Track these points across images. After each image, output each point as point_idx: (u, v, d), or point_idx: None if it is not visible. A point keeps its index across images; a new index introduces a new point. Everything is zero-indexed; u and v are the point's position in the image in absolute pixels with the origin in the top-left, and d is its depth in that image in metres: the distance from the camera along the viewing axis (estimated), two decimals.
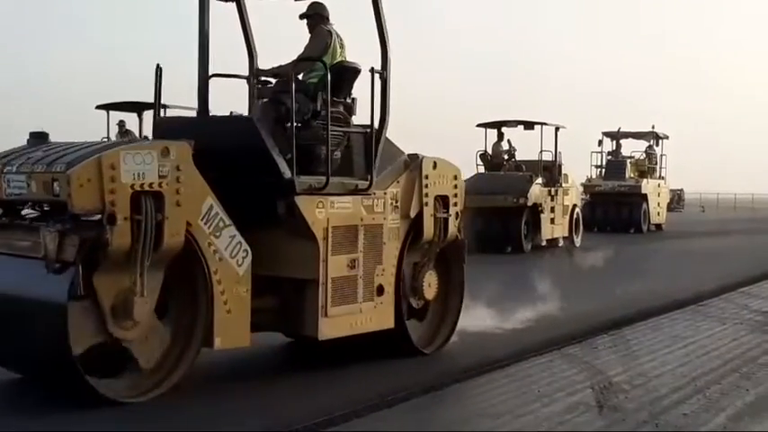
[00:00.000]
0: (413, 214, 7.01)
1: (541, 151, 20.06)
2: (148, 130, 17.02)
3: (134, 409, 5.40)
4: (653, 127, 29.25)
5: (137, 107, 18.03)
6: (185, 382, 5.74)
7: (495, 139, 20.83)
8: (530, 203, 18.55)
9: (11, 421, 5.19)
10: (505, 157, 20.54)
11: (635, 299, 10.82)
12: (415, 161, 7.14)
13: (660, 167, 29.67)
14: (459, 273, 7.70)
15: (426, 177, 7.09)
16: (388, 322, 6.81)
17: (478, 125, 20.76)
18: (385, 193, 6.82)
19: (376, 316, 6.66)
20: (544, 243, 19.35)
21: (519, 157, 20.77)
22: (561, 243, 20.26)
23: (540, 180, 19.24)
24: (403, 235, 6.97)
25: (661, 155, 29.79)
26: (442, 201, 7.28)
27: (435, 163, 7.23)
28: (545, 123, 20.23)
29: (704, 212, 34.56)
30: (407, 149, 7.20)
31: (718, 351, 7.64)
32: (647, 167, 28.99)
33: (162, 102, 6.80)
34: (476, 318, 8.22)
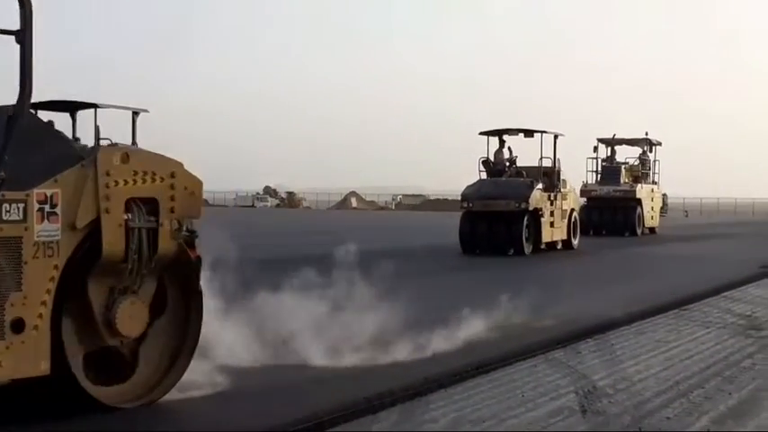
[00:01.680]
0: (82, 224, 5.14)
1: (541, 158, 20.77)
2: (84, 131, 15.99)
3: (132, 412, 5.33)
4: (646, 134, 29.86)
5: (71, 106, 16.83)
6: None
7: (497, 146, 21.26)
8: (531, 208, 19.23)
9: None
10: (507, 163, 20.97)
11: (620, 302, 10.72)
12: (92, 154, 5.31)
13: (653, 173, 30.33)
14: (191, 301, 5.77)
15: (108, 174, 5.21)
16: (32, 368, 4.96)
17: (481, 133, 21.27)
18: (27, 195, 4.92)
19: (9, 360, 4.83)
20: (543, 246, 19.89)
21: (519, 163, 21.23)
22: (560, 246, 20.84)
23: (540, 185, 19.92)
24: (69, 251, 5.11)
25: (654, 160, 30.44)
26: (146, 206, 5.42)
27: (127, 155, 5.39)
28: (545, 131, 20.91)
29: (687, 217, 35.41)
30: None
31: (701, 355, 7.55)
32: (641, 173, 29.67)
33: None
34: (464, 321, 8.24)
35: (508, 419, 5.35)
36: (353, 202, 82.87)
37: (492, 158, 21.07)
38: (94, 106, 15.91)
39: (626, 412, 5.57)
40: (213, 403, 5.71)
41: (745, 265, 16.59)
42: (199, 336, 5.81)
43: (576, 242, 21.61)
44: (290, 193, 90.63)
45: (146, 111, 16.44)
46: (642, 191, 28.56)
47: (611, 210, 27.93)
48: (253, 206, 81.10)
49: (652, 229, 29.47)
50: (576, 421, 5.36)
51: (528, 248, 19.18)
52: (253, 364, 6.62)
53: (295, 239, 25.45)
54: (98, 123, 15.68)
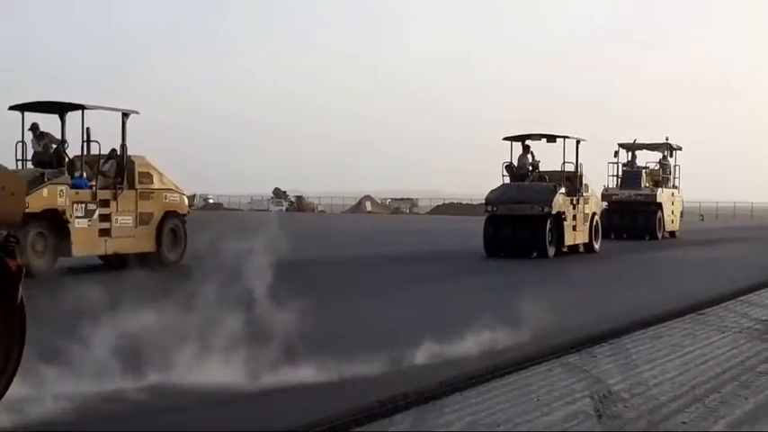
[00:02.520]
0: None
1: (564, 162, 20.88)
2: (73, 133, 15.74)
3: (134, 410, 5.41)
4: (666, 139, 29.94)
5: (58, 108, 16.31)
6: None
7: (521, 151, 21.41)
8: (554, 212, 19.40)
9: None
10: (530, 168, 21.09)
11: (635, 307, 10.71)
12: None
13: (674, 177, 30.34)
14: (11, 317, 4.96)
15: None
16: None
17: (504, 138, 21.43)
18: None
19: None
20: (565, 249, 20.16)
21: (542, 168, 21.36)
22: (581, 249, 21.09)
23: (563, 190, 20.05)
24: None
25: (674, 165, 30.43)
26: None
27: None
28: (567, 137, 21.01)
29: (703, 221, 35.58)
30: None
31: (716, 360, 7.46)
32: (662, 177, 29.69)
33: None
34: (480, 324, 8.23)
35: (523, 424, 5.29)
36: (368, 206, 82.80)
37: (515, 163, 21.21)
38: (81, 108, 15.60)
39: (642, 417, 5.50)
40: (236, 404, 5.77)
41: (762, 269, 16.58)
42: (21, 355, 5.01)
43: (597, 245, 21.76)
44: (299, 197, 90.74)
45: (136, 112, 16.37)
46: (663, 195, 28.66)
47: (632, 213, 28.04)
48: (268, 210, 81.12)
49: (672, 233, 29.50)
50: (592, 425, 5.29)
51: (551, 251, 19.34)
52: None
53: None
54: (87, 125, 15.33)
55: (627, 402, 5.87)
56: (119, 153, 15.99)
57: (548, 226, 19.32)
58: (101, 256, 15.93)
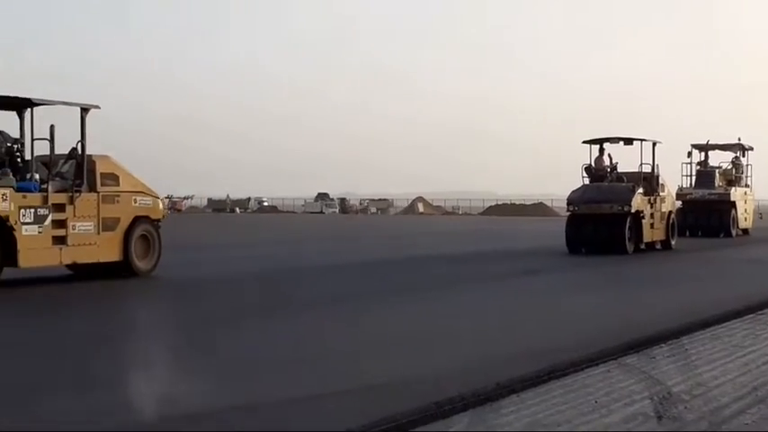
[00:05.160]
0: None
1: (641, 164, 21.60)
2: (38, 129, 13.69)
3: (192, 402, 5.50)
4: (739, 139, 29.98)
5: (11, 103, 14.56)
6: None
7: (597, 153, 22.13)
8: (632, 210, 20.28)
9: None
10: (608, 169, 21.81)
11: (695, 307, 10.50)
12: None
13: (746, 177, 30.33)
14: None
15: None
16: None
17: (584, 142, 22.16)
18: None
19: None
20: (643, 246, 20.89)
21: (619, 169, 22.08)
22: (659, 246, 21.93)
23: (640, 189, 20.82)
24: None
25: (747, 164, 30.46)
26: None
27: None
28: (644, 139, 21.71)
29: (762, 219, 35.41)
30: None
31: None
32: (735, 176, 29.96)
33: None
34: (537, 324, 8.17)
35: (582, 425, 5.13)
36: (420, 207, 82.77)
37: (593, 165, 21.86)
38: (30, 103, 14.04)
39: (703, 418, 5.30)
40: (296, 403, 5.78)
41: None
42: None
43: (674, 242, 22.59)
44: (343, 200, 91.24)
45: (96, 107, 14.77)
46: (736, 194, 29.11)
47: (707, 212, 28.46)
48: (321, 212, 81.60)
49: (745, 231, 29.79)
50: (652, 427, 5.11)
51: (630, 248, 20.18)
52: None
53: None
54: (52, 123, 13.40)
55: (687, 404, 5.70)
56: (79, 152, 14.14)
57: (627, 224, 20.15)
58: (69, 266, 14.31)
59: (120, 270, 14.62)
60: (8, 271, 13.06)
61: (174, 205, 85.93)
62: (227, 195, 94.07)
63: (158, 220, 15.44)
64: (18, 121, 14.35)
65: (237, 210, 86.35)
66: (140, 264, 14.93)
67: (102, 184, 14.36)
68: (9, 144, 14.02)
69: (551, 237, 24.55)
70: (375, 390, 6.10)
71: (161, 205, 15.75)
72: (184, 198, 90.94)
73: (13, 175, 13.51)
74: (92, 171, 14.27)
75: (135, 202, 14.90)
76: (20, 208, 13.11)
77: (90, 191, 14.19)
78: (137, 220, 14.87)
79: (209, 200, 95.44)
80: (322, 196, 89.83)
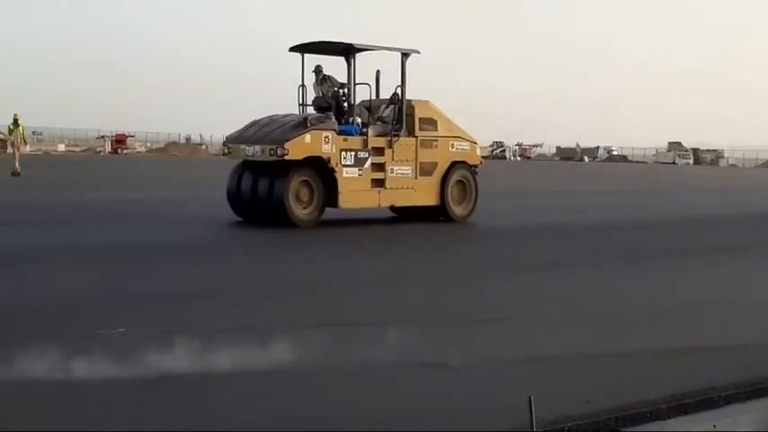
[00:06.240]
0: None
1: None
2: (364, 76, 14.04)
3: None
4: None
5: (337, 49, 14.55)
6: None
7: None
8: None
9: None
10: None
11: None
12: None
13: None
14: None
15: None
16: None
17: None
18: None
19: None
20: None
21: None
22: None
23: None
24: None
25: None
26: None
27: None
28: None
29: None
30: None
31: None
32: None
33: None
34: None
35: None
36: None
37: None
38: (352, 49, 14.10)
39: None
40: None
41: None
42: None
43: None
44: (695, 150, 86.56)
45: (417, 52, 14.34)
46: None
47: None
48: (674, 163, 78.36)
49: None
50: None
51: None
52: None
53: None
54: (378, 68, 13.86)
55: None
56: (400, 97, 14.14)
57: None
58: (393, 209, 14.61)
59: (437, 215, 14.67)
60: (329, 211, 13.56)
61: (523, 152, 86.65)
62: (577, 144, 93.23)
63: (475, 166, 15.31)
64: (345, 66, 14.56)
65: (586, 158, 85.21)
66: (456, 209, 14.96)
67: (420, 129, 14.46)
68: (336, 89, 14.48)
69: None
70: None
71: (478, 151, 15.57)
72: (533, 146, 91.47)
73: (337, 119, 13.86)
74: (411, 116, 14.39)
75: (452, 148, 14.86)
76: (341, 150, 13.52)
77: (409, 135, 14.34)
78: (454, 165, 14.85)
79: (558, 148, 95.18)
80: (675, 146, 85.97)
